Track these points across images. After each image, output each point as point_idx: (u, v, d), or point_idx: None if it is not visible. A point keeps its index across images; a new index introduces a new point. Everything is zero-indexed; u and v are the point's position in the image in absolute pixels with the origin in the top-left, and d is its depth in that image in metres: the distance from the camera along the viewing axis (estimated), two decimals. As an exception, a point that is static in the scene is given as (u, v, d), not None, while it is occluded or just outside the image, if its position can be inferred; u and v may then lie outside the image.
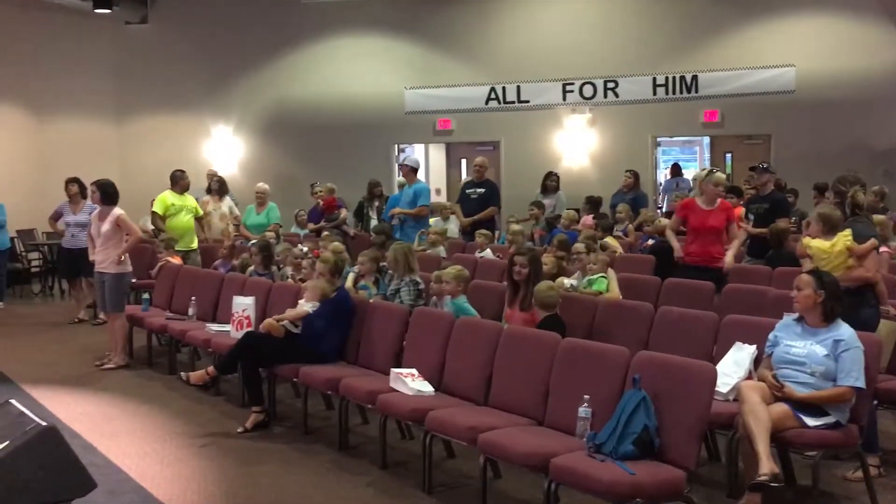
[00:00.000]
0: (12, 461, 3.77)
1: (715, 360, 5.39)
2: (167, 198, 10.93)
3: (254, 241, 9.88)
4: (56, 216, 11.76)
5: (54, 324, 11.36)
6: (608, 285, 7.22)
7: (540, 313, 6.14)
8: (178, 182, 11.03)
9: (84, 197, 11.36)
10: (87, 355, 9.23)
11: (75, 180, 11.44)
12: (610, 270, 7.41)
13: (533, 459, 4.49)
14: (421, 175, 17.19)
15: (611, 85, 14.35)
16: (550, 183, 12.39)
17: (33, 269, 14.83)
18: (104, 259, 8.74)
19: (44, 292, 14.16)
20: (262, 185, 12.21)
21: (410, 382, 5.73)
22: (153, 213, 11.12)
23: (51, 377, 8.37)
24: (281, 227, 11.95)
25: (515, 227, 10.01)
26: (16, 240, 14.20)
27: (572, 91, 14.51)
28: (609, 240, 9.65)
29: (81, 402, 7.53)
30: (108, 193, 8.81)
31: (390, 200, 11.91)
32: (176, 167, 11.39)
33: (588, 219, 11.21)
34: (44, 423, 3.93)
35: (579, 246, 7.75)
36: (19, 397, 5.57)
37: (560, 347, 5.19)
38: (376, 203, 12.97)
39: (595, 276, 7.30)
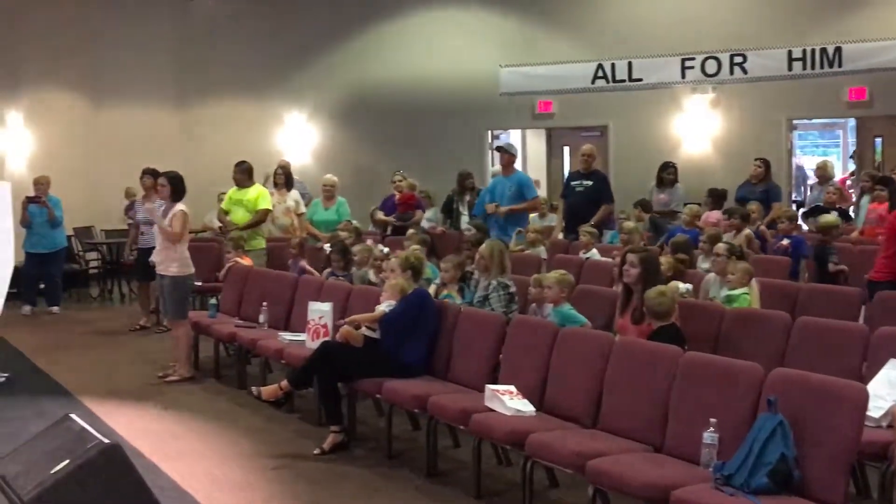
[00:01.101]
0: (73, 481, 3.89)
1: (865, 379, 5.26)
2: (230, 193, 11.31)
3: (329, 241, 10.04)
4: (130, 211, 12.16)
5: (114, 331, 11.72)
6: (751, 303, 7.02)
7: (654, 323, 6.06)
8: (235, 174, 11.28)
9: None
10: (149, 366, 9.49)
11: (151, 172, 11.62)
12: (753, 283, 7.18)
13: (650, 491, 4.44)
14: (518, 165, 17.18)
15: (738, 60, 14.07)
16: (667, 175, 12.21)
17: (91, 271, 15.31)
18: (163, 259, 8.97)
19: (103, 296, 14.62)
20: (331, 177, 12.31)
21: (508, 401, 5.73)
22: (219, 209, 11.44)
23: (110, 390, 8.63)
24: (352, 223, 12.04)
25: (629, 223, 9.91)
26: (73, 238, 14.70)
27: (693, 67, 14.29)
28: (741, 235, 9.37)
29: (144, 417, 7.75)
30: (178, 188, 9.05)
31: (482, 194, 11.93)
32: (243, 158, 11.61)
33: (713, 215, 11.01)
34: (106, 441, 4.04)
35: (721, 246, 7.59)
36: (78, 411, 5.74)
37: (681, 362, 5.13)
38: (467, 197, 12.97)
39: (737, 292, 7.08)
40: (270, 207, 11.28)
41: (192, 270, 9.14)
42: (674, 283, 7.17)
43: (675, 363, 5.15)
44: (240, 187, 11.25)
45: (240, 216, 11.08)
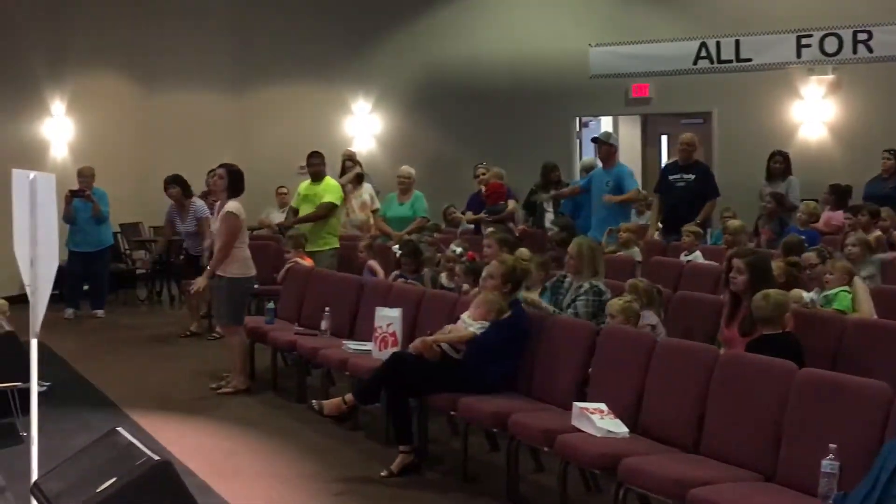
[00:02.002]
0: (121, 501, 3.96)
1: None
2: (299, 188, 11.47)
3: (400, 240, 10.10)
4: (169, 224, 12.36)
5: (163, 337, 11.92)
6: (854, 301, 6.91)
7: (761, 331, 5.96)
8: (309, 168, 11.41)
9: (188, 196, 11.95)
10: (201, 376, 9.63)
11: (176, 181, 11.98)
12: (856, 281, 7.11)
13: (761, 526, 4.38)
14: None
15: (862, 37, 13.82)
16: (775, 165, 11.96)
17: (139, 272, 15.60)
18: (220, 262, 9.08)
19: (151, 299, 14.87)
20: (408, 169, 12.33)
21: (598, 420, 5.69)
22: (289, 209, 11.62)
23: (159, 402, 8.77)
24: (429, 220, 12.09)
25: (735, 222, 9.78)
26: (119, 236, 14.99)
27: (809, 45, 14.08)
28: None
29: (195, 432, 7.87)
30: (236, 183, 9.09)
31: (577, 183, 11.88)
32: (307, 148, 11.73)
33: (836, 216, 10.80)
34: (157, 458, 4.10)
35: (810, 255, 7.48)
36: (124, 424, 5.84)
37: (797, 380, 5.05)
38: (552, 191, 12.93)
39: (834, 291, 7.01)
40: (337, 202, 11.30)
41: (254, 272, 9.24)
42: (796, 292, 7.04)
43: (789, 381, 5.07)
44: (315, 181, 11.30)
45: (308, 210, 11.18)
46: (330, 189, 11.23)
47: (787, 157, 12.03)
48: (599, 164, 11.76)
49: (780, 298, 5.97)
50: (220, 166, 9.29)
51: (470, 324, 6.96)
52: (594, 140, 11.78)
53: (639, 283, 7.10)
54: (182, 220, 11.98)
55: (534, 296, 7.40)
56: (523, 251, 8.31)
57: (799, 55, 14.17)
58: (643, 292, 6.97)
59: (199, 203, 11.91)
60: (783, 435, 4.98)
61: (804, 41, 14.12)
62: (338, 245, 11.20)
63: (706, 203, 11.07)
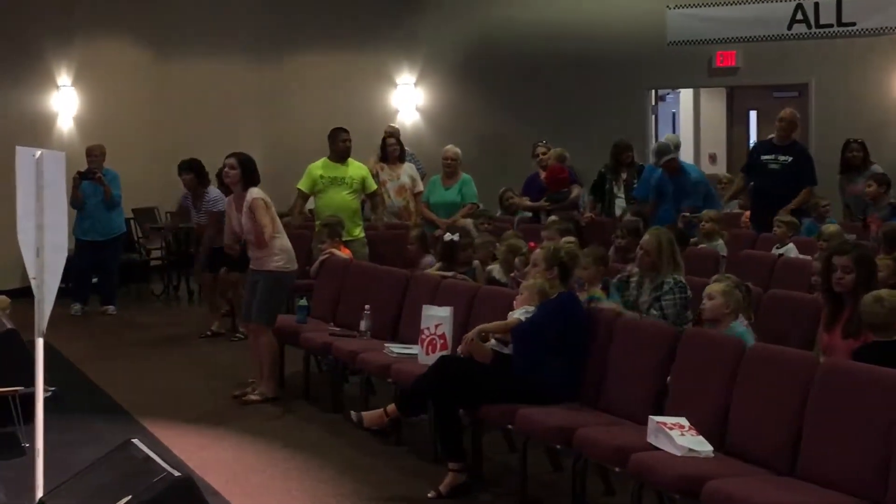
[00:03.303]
0: (137, 522, 4.00)
1: None
2: (315, 169, 11.18)
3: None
4: (182, 212, 12.40)
5: (180, 338, 12.03)
6: None
7: (869, 337, 5.89)
8: (333, 145, 11.27)
9: (204, 185, 11.97)
10: (223, 382, 9.71)
11: (191, 167, 11.97)
12: None
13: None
14: (689, 134, 16.98)
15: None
16: (851, 155, 11.76)
17: (153, 263, 15.73)
18: (259, 255, 9.12)
19: (167, 294, 15.00)
20: (454, 149, 12.33)
21: (678, 437, 5.67)
22: (298, 189, 11.42)
23: (176, 410, 8.84)
24: (479, 206, 12.07)
25: (832, 227, 9.71)
26: (132, 222, 15.12)
27: (923, 7, 13.93)
28: None
29: (217, 445, 7.93)
30: (250, 172, 9.12)
31: (647, 172, 11.81)
32: (343, 123, 11.71)
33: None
34: (177, 473, 4.14)
35: None
36: (138, 435, 5.89)
37: (911, 394, 4.99)
38: (624, 175, 12.87)
39: None
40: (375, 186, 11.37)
41: (296, 266, 9.29)
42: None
43: (900, 394, 5.02)
44: (341, 161, 11.20)
45: (340, 199, 11.05)
46: (368, 174, 11.27)
47: (865, 145, 11.90)
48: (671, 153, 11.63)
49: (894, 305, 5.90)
50: (230, 156, 9.28)
51: (516, 313, 7.04)
52: (657, 157, 11.62)
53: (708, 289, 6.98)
54: (196, 210, 12.01)
55: (615, 305, 7.35)
56: (568, 239, 8.31)
57: (911, 18, 14.02)
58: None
59: (214, 193, 11.83)
60: (894, 458, 4.92)
61: (917, 2, 13.98)
62: (360, 234, 11.25)
63: (801, 189, 10.97)
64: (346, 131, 11.35)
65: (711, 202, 11.18)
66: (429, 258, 9.91)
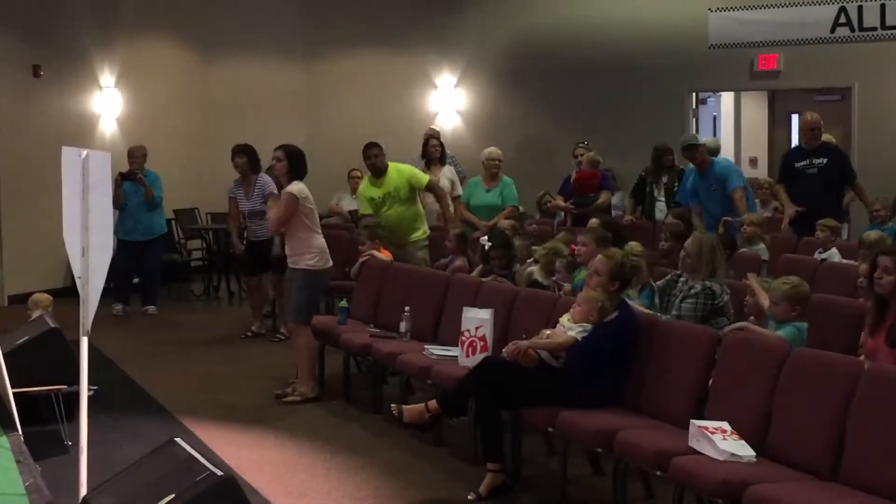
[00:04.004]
0: (180, 520, 4.02)
1: None
2: (365, 192, 11.00)
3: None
4: (234, 205, 12.20)
5: (221, 338, 12.10)
6: None
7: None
8: (366, 162, 11.03)
9: (255, 171, 11.76)
10: (263, 382, 9.76)
11: (244, 149, 11.79)
12: None
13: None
14: (730, 137, 16.84)
15: None
16: None
17: (194, 263, 15.83)
18: (292, 250, 9.19)
19: (207, 294, 15.08)
20: (495, 151, 12.31)
21: (720, 442, 5.63)
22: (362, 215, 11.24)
23: (217, 410, 8.91)
24: (519, 209, 12.06)
25: (873, 234, 9.58)
26: (173, 223, 15.21)
27: (969, 10, 13.79)
28: None
29: (257, 445, 7.96)
30: (298, 165, 9.18)
31: (687, 174, 11.76)
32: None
33: None
34: (220, 473, 4.15)
35: None
36: (179, 434, 5.90)
37: (957, 399, 4.94)
38: (664, 178, 12.84)
39: None
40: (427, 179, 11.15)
41: (331, 264, 9.33)
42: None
43: (946, 400, 4.97)
44: (380, 176, 10.89)
45: (396, 215, 10.80)
46: (410, 173, 10.98)
47: None
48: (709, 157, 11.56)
49: None
50: (278, 148, 9.27)
51: (570, 327, 6.91)
52: (685, 150, 11.53)
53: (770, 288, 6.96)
54: (247, 197, 11.77)
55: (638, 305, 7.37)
56: (634, 245, 8.21)
57: (957, 21, 13.88)
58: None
59: (265, 178, 11.59)
60: (939, 463, 4.89)
61: (962, 5, 13.84)
62: (421, 235, 11.05)
63: (843, 189, 10.90)
64: (375, 146, 10.97)
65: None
66: (460, 261, 9.92)
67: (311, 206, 9.17)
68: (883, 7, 14.14)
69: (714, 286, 7.26)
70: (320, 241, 9.22)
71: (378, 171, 10.88)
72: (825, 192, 10.85)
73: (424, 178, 11.07)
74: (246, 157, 11.68)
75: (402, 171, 10.97)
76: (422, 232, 11.03)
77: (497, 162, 12.14)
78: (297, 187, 9.07)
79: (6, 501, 5.40)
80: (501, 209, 11.82)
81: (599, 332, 6.81)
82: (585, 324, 6.84)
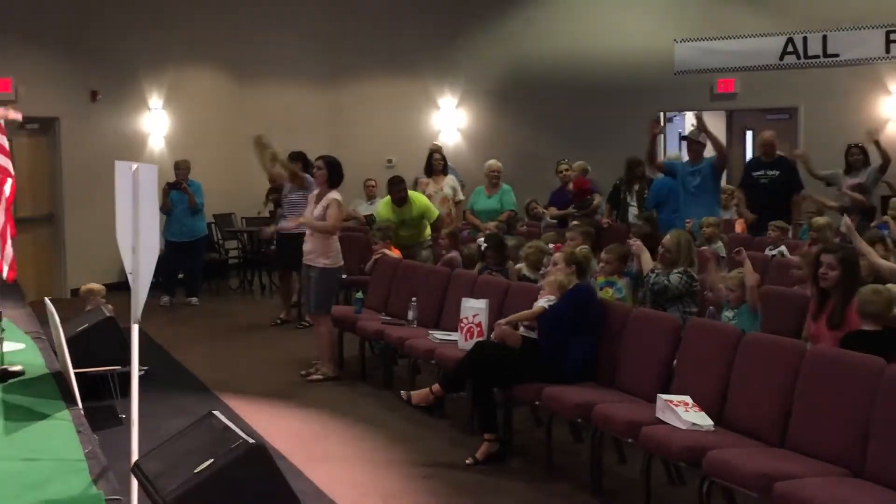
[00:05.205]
0: (217, 482, 4.01)
1: None
2: (383, 212, 11.11)
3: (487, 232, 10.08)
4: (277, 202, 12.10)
5: (254, 325, 12.10)
6: None
7: (863, 325, 5.82)
8: (391, 194, 11.08)
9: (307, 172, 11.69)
10: (290, 363, 9.77)
11: (299, 155, 11.76)
12: None
13: (848, 521, 4.29)
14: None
15: (952, 31, 13.46)
16: (853, 158, 11.62)
17: (231, 261, 15.82)
18: (312, 249, 9.20)
19: (242, 288, 15.09)
20: (496, 163, 12.34)
21: (683, 413, 5.64)
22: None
23: (251, 387, 8.93)
24: (516, 213, 12.07)
25: (820, 219, 9.60)
26: (212, 226, 15.22)
27: (898, 40, 13.76)
28: None
29: (286, 417, 7.99)
30: (335, 174, 9.25)
31: (655, 185, 11.73)
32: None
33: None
34: (251, 441, 4.15)
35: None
36: (218, 408, 5.91)
37: (886, 376, 4.93)
38: (636, 186, 12.79)
39: None
40: (436, 211, 11.26)
41: (342, 263, 9.35)
42: (890, 287, 6.85)
43: (877, 377, 4.96)
44: (401, 205, 10.98)
45: (407, 237, 10.95)
46: (425, 207, 11.11)
47: (865, 149, 11.73)
48: (685, 157, 11.62)
49: (891, 294, 5.83)
50: (318, 158, 9.38)
51: (540, 302, 7.09)
52: (684, 138, 11.61)
53: (725, 278, 7.00)
54: (291, 190, 11.45)
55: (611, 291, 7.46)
56: (585, 248, 8.34)
57: (888, 50, 13.83)
58: None
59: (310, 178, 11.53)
60: (871, 431, 4.88)
61: (893, 36, 13.77)
62: (428, 236, 11.17)
63: (791, 197, 10.90)
64: (401, 182, 11.12)
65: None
66: (453, 253, 10.00)
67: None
68: (825, 38, 14.15)
69: (693, 273, 7.33)
70: (337, 243, 9.25)
71: (400, 202, 11.01)
72: (776, 198, 10.84)
73: (435, 213, 11.19)
74: (300, 161, 11.62)
75: (419, 205, 11.09)
76: (426, 234, 11.11)
77: (497, 172, 12.19)
78: (338, 195, 9.17)
79: (68, 466, 5.41)
80: (500, 213, 11.84)
81: (562, 300, 6.97)
82: (550, 296, 7.02)
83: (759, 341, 5.83)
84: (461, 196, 12.36)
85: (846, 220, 7.28)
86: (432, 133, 16.56)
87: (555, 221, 12.58)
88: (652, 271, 7.52)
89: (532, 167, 15.16)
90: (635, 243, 7.86)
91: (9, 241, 7.49)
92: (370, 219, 12.21)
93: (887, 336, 5.68)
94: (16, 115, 5.12)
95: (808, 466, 4.95)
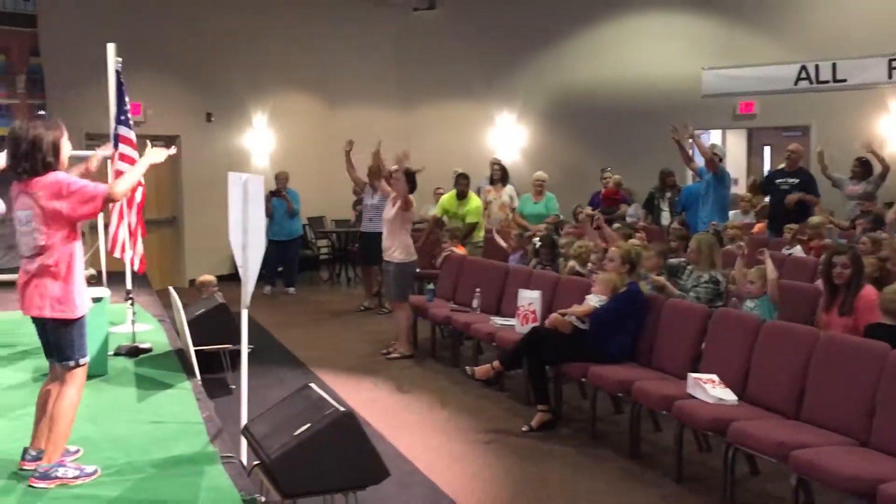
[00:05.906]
0: (313, 443, 4.06)
1: None
2: (444, 203, 11.37)
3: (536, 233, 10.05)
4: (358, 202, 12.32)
5: (342, 311, 12.15)
6: None
7: (884, 320, 5.67)
8: (455, 186, 11.36)
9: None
10: (373, 343, 9.81)
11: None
12: None
13: (857, 484, 4.22)
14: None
15: (948, 59, 13.11)
16: (857, 169, 11.39)
17: (322, 257, 15.94)
18: (389, 246, 9.21)
19: (332, 280, 15.18)
20: (541, 174, 12.34)
21: (711, 389, 5.57)
22: (433, 216, 11.57)
23: (339, 363, 8.97)
24: (560, 217, 12.02)
25: (816, 218, 9.45)
26: (307, 227, 15.35)
27: (900, 67, 13.43)
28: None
29: (369, 389, 8.03)
30: (412, 182, 9.31)
31: (683, 192, 11.62)
32: (460, 156, 11.74)
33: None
34: (342, 409, 4.19)
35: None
36: (313, 381, 5.99)
37: (890, 359, 4.83)
38: (668, 194, 12.70)
39: None
40: (477, 220, 11.34)
41: (416, 257, 9.35)
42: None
43: (882, 360, 4.86)
44: (461, 199, 11.27)
45: (458, 222, 11.21)
46: (472, 211, 11.26)
47: (867, 161, 11.48)
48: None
49: None
50: (397, 170, 9.38)
51: (591, 299, 6.97)
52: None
53: (747, 272, 6.88)
54: (373, 196, 11.70)
55: (661, 279, 7.30)
56: (634, 241, 8.22)
57: (890, 76, 13.50)
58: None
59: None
60: (877, 406, 4.79)
61: (895, 63, 13.46)
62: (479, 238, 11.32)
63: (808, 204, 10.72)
64: (465, 177, 11.44)
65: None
66: (521, 252, 9.93)
67: (412, 214, 9.27)
68: (834, 65, 13.84)
69: (718, 276, 7.16)
70: (409, 240, 9.25)
71: (462, 195, 11.24)
72: (793, 203, 10.65)
73: (475, 219, 11.27)
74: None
75: (472, 205, 11.34)
76: (480, 235, 11.25)
77: (541, 182, 12.14)
78: (413, 198, 9.23)
79: (189, 428, 5.50)
80: (546, 217, 11.79)
81: (612, 301, 6.83)
82: (602, 296, 6.89)
83: (777, 328, 5.74)
84: (517, 203, 12.34)
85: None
86: (491, 148, 16.51)
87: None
88: (686, 265, 7.43)
89: (575, 177, 15.07)
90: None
91: (139, 240, 7.64)
92: (440, 221, 12.24)
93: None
94: (171, 151, 5.31)
95: (821, 436, 4.87)
